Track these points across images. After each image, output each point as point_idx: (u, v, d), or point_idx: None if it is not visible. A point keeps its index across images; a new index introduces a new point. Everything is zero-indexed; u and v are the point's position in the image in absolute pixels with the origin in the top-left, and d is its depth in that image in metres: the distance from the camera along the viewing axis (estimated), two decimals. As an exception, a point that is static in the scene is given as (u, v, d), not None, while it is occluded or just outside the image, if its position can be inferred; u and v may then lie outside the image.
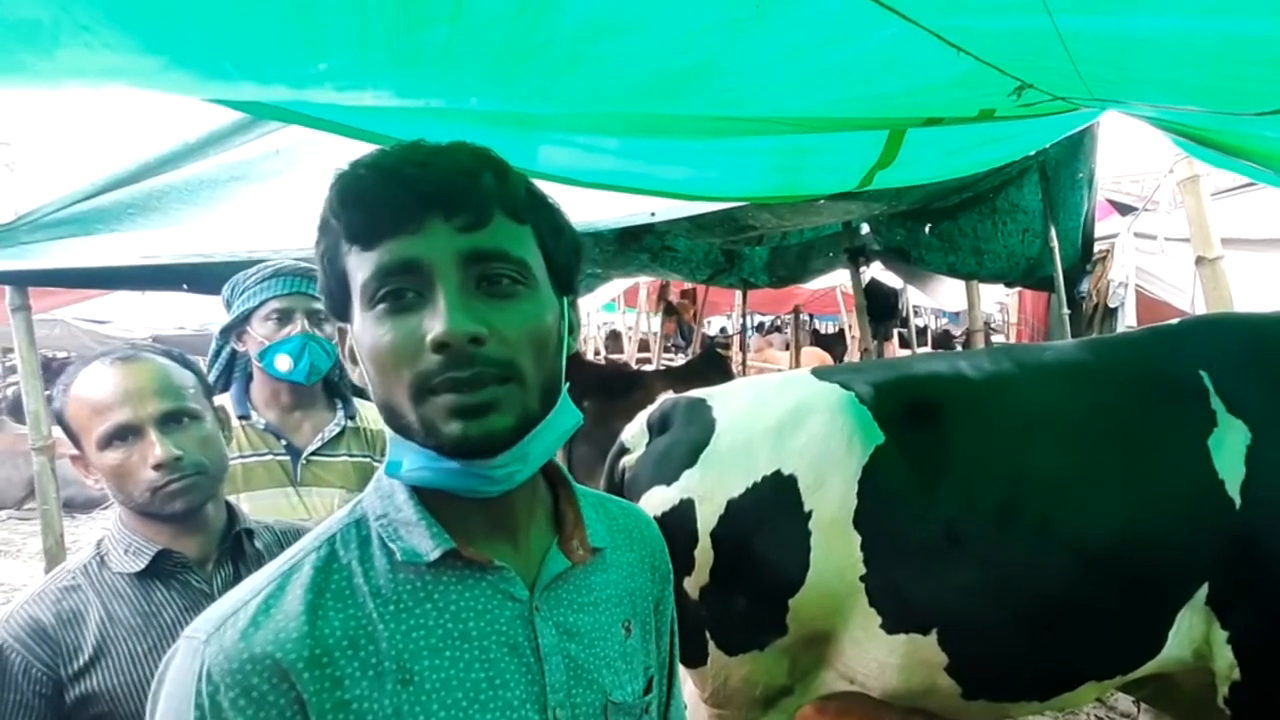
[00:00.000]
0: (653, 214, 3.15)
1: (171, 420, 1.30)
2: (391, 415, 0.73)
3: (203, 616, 0.72)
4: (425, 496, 0.77)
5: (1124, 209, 5.44)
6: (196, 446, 1.31)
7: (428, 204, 0.69)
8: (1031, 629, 1.75)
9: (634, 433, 2.05)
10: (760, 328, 16.48)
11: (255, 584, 0.74)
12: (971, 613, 1.75)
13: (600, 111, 1.86)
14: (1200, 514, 1.75)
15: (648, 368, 9.54)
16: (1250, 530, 1.71)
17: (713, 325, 16.37)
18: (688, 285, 10.00)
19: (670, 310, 10.83)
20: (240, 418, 1.93)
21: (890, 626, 1.77)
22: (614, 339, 16.09)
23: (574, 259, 0.82)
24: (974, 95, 1.81)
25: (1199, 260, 3.13)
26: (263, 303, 1.90)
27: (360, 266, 0.71)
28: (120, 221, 2.42)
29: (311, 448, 1.96)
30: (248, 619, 0.70)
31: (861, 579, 1.77)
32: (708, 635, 1.85)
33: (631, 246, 5.39)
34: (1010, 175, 3.96)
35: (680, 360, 9.82)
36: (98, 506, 7.46)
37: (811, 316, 14.62)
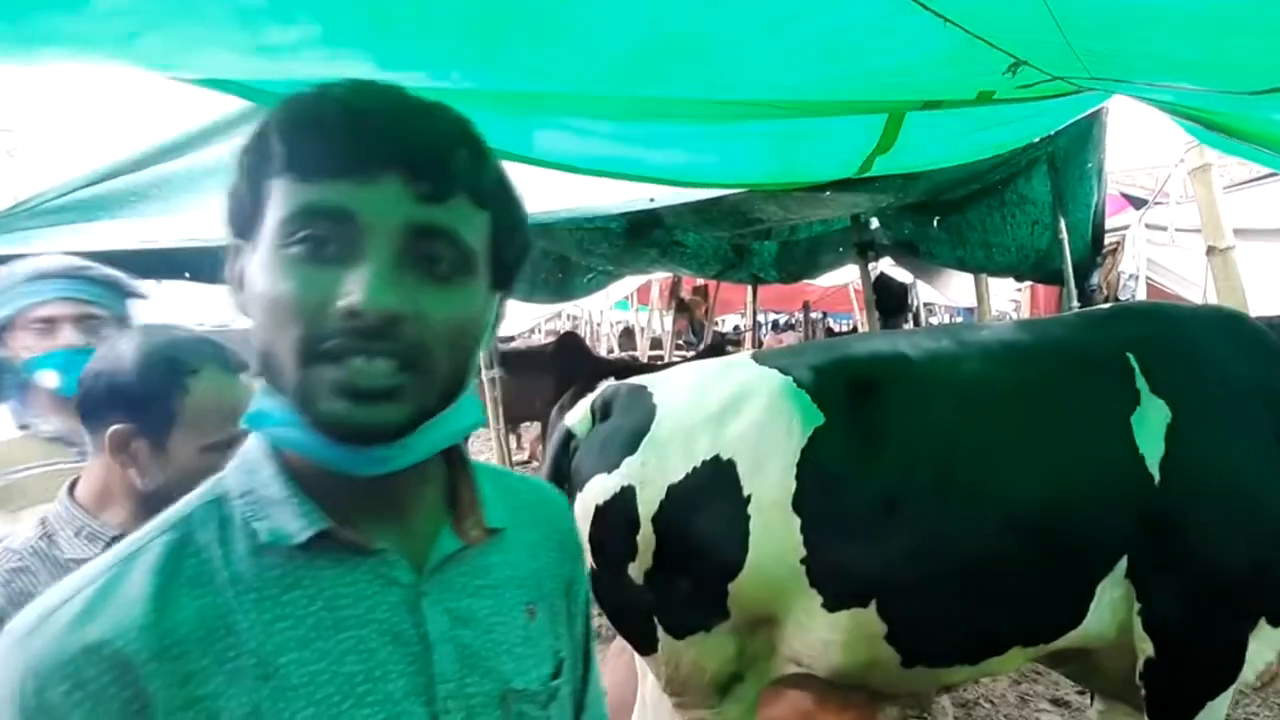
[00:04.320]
0: (651, 199, 3.13)
1: None
2: (268, 368, 0.65)
3: (24, 610, 0.64)
4: (298, 471, 0.69)
5: (1138, 202, 5.36)
6: None
7: (390, 158, 0.63)
8: (962, 593, 1.81)
9: (578, 420, 2.07)
10: (775, 326, 16.42)
11: (91, 571, 0.65)
12: (907, 579, 1.80)
13: (590, 93, 1.86)
14: (1121, 487, 1.82)
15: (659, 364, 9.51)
16: (1167, 506, 1.79)
17: (726, 323, 16.32)
18: (699, 282, 9.98)
19: (682, 307, 10.80)
20: (21, 428, 1.74)
21: (831, 604, 1.81)
22: (627, 336, 16.07)
23: (521, 258, 0.77)
24: (969, 75, 1.79)
25: (1210, 250, 3.08)
26: (22, 309, 1.68)
27: (286, 197, 0.63)
28: (121, 209, 2.42)
29: None
30: (80, 607, 0.62)
31: (802, 561, 1.81)
32: (655, 620, 1.89)
33: (640, 241, 5.38)
34: (1019, 167, 3.91)
35: (690, 356, 9.79)
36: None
37: (825, 315, 14.54)
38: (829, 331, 14.66)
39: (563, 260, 6.07)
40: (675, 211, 4.43)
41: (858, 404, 1.90)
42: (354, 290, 0.61)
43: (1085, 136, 3.61)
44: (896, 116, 2.21)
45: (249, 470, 0.71)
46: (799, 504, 1.81)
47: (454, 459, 0.81)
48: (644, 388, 2.01)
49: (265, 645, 0.64)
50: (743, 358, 2.10)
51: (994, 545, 1.81)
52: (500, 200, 0.72)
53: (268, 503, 0.68)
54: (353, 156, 0.62)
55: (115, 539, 1.21)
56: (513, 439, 8.01)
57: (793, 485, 1.82)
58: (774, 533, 1.81)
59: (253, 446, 0.72)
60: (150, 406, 1.22)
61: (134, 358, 1.22)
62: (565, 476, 2.01)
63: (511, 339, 11.77)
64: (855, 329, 13.00)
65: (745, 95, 1.97)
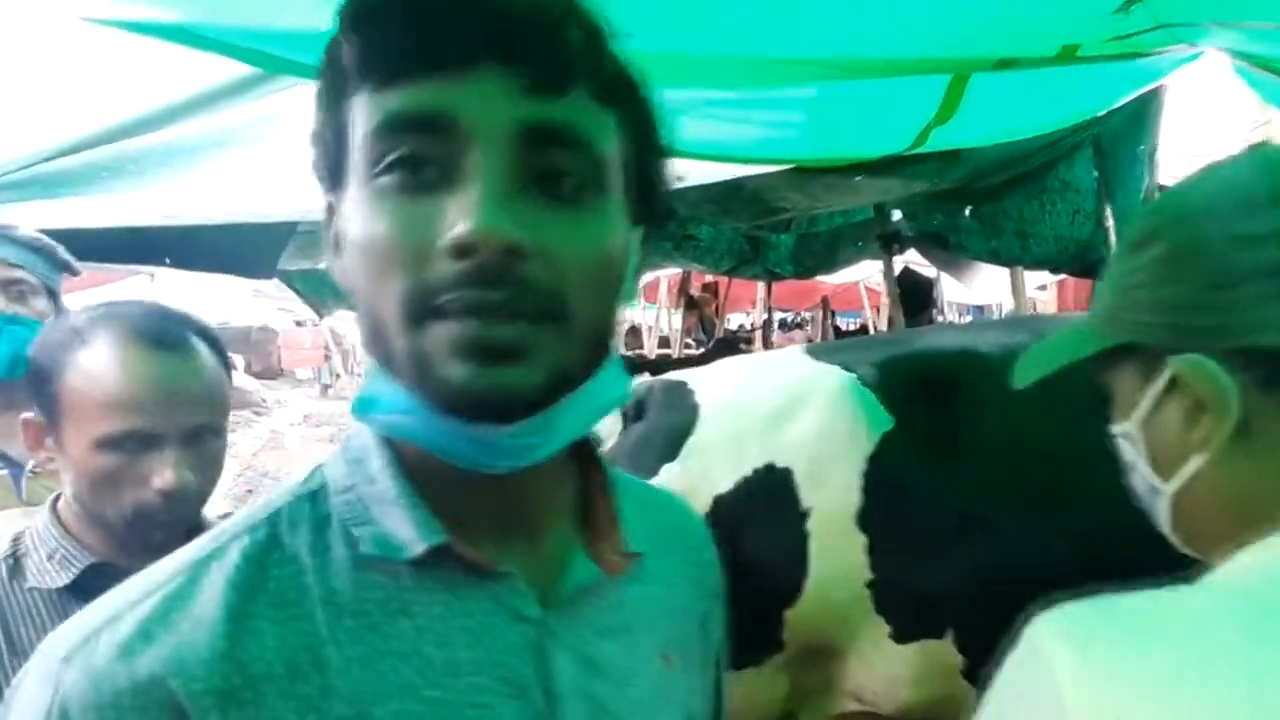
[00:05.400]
0: (680, 178, 2.90)
1: (195, 437, 1.03)
2: (375, 337, 0.51)
3: (67, 624, 0.50)
4: (413, 465, 0.54)
5: (1175, 193, 5.12)
6: (209, 468, 1.06)
7: (485, 41, 0.47)
8: None
9: (606, 422, 1.83)
10: (783, 324, 16.24)
11: (154, 577, 0.51)
12: (989, 607, 1.57)
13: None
14: None
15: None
16: None
17: (733, 322, 16.16)
18: (709, 279, 9.82)
19: (691, 304, 10.63)
20: None
21: (901, 634, 1.62)
22: (633, 334, 15.93)
23: (662, 175, 0.59)
24: (1065, 17, 1.56)
25: (1280, 237, 2.86)
26: None
27: (369, 113, 0.48)
28: (90, 185, 2.20)
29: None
30: (133, 628, 0.47)
31: (868, 585, 1.61)
32: None
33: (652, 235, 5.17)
34: (1061, 151, 3.70)
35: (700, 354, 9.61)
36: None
37: (834, 313, 14.38)
38: (837, 330, 14.46)
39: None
40: (691, 201, 4.22)
41: (932, 406, 1.68)
42: (460, 220, 0.46)
43: (1140, 117, 3.38)
44: (960, 80, 1.97)
45: (354, 460, 0.56)
46: (865, 519, 1.60)
47: (588, 462, 0.65)
48: (684, 384, 1.78)
49: (362, 690, 0.50)
50: (795, 352, 1.88)
51: (1088, 567, 1.59)
52: (629, 96, 0.54)
53: (374, 502, 0.54)
54: (438, 44, 0.47)
55: (92, 567, 1.00)
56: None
57: (858, 498, 1.60)
58: (836, 552, 1.60)
59: (361, 434, 0.57)
60: (41, 388, 1.01)
61: (46, 332, 1.02)
62: None
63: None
64: (864, 328, 12.79)
65: (790, 54, 1.74)
